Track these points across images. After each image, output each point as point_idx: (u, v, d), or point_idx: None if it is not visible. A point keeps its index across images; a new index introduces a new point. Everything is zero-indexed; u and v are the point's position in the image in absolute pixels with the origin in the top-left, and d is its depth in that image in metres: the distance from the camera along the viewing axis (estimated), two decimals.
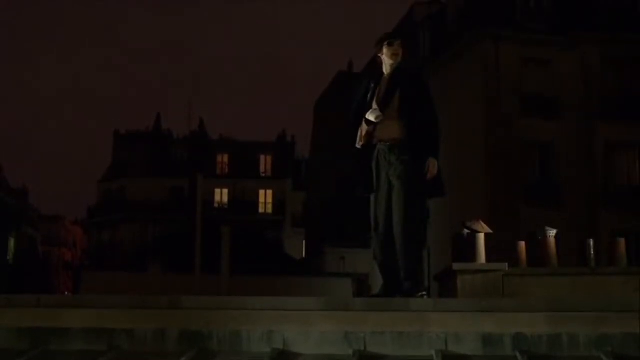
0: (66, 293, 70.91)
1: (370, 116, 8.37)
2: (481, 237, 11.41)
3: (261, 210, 76.71)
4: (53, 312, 7.18)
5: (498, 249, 12.60)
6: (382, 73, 8.62)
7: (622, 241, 13.18)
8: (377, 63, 8.74)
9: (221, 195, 76.06)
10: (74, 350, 6.94)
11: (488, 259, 11.46)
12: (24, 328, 7.09)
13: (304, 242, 68.83)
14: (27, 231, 76.62)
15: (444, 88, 41.66)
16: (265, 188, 77.21)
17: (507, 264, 11.39)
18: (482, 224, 11.56)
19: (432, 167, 8.33)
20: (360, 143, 8.46)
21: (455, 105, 39.79)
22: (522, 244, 13.02)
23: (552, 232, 12.55)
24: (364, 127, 8.42)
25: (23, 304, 7.28)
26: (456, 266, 11.16)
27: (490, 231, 11.60)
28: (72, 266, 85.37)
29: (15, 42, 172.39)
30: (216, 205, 74.00)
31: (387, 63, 8.57)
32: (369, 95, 8.54)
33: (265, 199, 77.24)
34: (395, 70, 8.54)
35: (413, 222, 8.20)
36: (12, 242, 68.60)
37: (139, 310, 7.17)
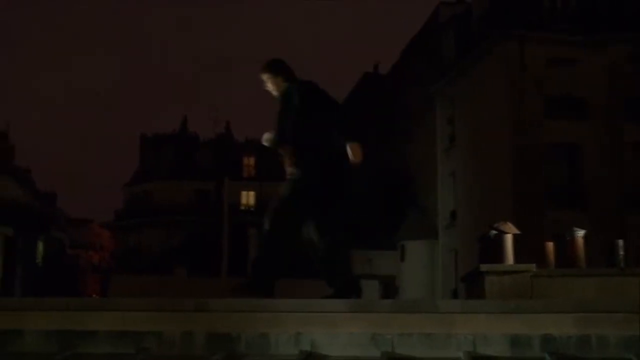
0: (94, 296, 71.20)
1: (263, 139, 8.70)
2: (509, 238, 11.37)
3: None
4: (81, 315, 7.21)
5: (525, 250, 12.55)
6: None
7: None
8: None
9: (247, 198, 76.18)
10: (102, 353, 6.96)
11: (515, 260, 11.42)
12: (52, 331, 7.12)
13: None
14: (56, 234, 77.03)
15: (468, 89, 41.56)
16: None
17: (534, 264, 11.34)
18: (510, 225, 11.53)
19: (354, 150, 8.37)
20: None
21: (480, 107, 39.68)
22: (550, 244, 12.95)
23: (580, 233, 12.49)
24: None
25: (52, 307, 7.31)
26: (483, 267, 11.12)
27: (518, 232, 11.56)
28: (99, 269, 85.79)
29: (40, 44, 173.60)
30: (242, 207, 74.11)
31: None
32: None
33: None
34: (284, 90, 8.59)
35: (324, 233, 8.28)
36: (40, 245, 69.04)
37: (167, 313, 7.18)
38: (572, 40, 38.12)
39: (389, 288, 43.73)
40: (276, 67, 8.67)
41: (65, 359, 6.83)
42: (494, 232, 11.45)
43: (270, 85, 8.66)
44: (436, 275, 44.10)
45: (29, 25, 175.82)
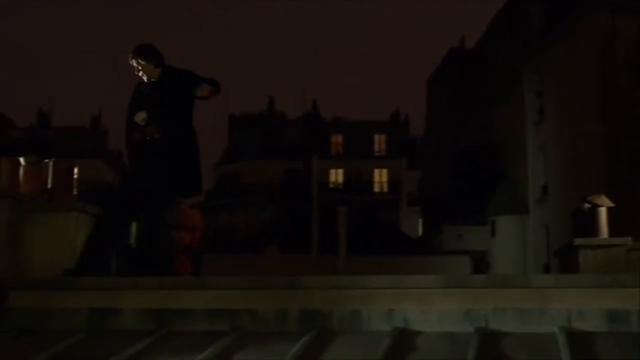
0: (186, 275, 72.02)
1: (137, 118, 8.67)
2: (603, 211, 11.17)
3: (376, 189, 76.71)
4: (176, 294, 7.34)
5: (619, 223, 12.30)
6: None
7: None
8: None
9: (336, 176, 76.38)
10: (197, 330, 7.08)
11: (610, 234, 11.21)
12: (149, 309, 7.27)
13: (419, 220, 68.68)
14: None
15: (557, 61, 40.87)
16: (380, 167, 77.14)
17: (630, 238, 11.10)
18: (604, 197, 11.32)
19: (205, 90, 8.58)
20: (130, 143, 8.74)
21: (570, 78, 38.97)
22: None
23: None
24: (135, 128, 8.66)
25: (148, 287, 7.46)
26: (577, 241, 10.92)
27: (612, 205, 11.35)
28: (191, 249, 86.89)
29: (126, 25, 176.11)
30: (331, 185, 74.34)
31: None
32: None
33: (380, 178, 77.24)
34: (160, 75, 8.64)
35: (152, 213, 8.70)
36: (134, 226, 70.23)
37: (260, 290, 7.26)
38: None
39: (480, 264, 43.44)
40: (148, 53, 8.67)
41: (162, 337, 6.96)
42: (587, 205, 11.25)
43: (142, 71, 8.65)
44: (527, 251, 43.65)
45: (118, 8, 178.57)
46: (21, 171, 8.80)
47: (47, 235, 8.27)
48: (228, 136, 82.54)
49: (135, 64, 8.71)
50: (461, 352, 6.20)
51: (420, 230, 66.56)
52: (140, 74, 8.75)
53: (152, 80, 8.68)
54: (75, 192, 9.11)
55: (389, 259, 34.64)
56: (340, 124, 79.87)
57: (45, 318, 7.40)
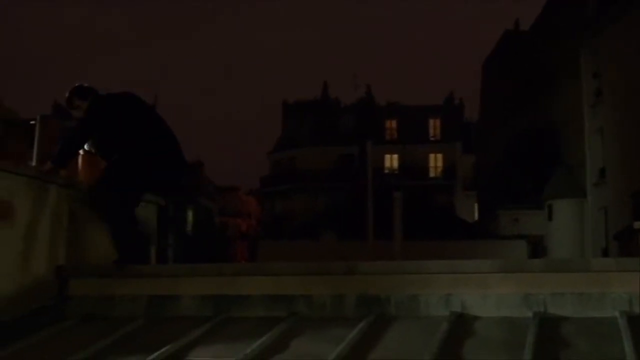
0: (243, 262, 72.38)
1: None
2: None
3: (431, 174, 76.45)
4: (234, 280, 7.39)
5: None
6: None
7: None
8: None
9: (391, 161, 76.24)
10: (255, 316, 7.12)
11: None
12: (207, 295, 7.33)
13: (475, 205, 68.32)
14: (204, 203, 78.87)
15: (614, 41, 40.32)
16: (435, 152, 76.86)
17: None
18: None
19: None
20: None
21: (628, 59, 38.45)
22: None
23: None
24: None
25: (206, 273, 7.53)
26: (637, 224, 10.83)
27: None
28: (247, 236, 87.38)
29: (179, 10, 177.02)
30: (386, 171, 74.25)
31: None
32: None
33: (435, 163, 76.95)
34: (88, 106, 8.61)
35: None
36: (190, 214, 70.82)
37: (317, 276, 7.28)
38: None
39: (537, 248, 43.07)
40: (84, 93, 8.64)
41: (221, 322, 7.01)
42: None
43: (80, 111, 8.61)
44: (585, 234, 43.22)
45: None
46: (80, 160, 8.90)
47: None
48: (282, 123, 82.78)
49: (77, 106, 8.69)
50: (519, 337, 6.15)
51: (476, 215, 66.20)
52: (78, 115, 8.71)
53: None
54: None
55: (445, 244, 34.47)
56: (394, 109, 79.65)
57: (106, 305, 7.50)
